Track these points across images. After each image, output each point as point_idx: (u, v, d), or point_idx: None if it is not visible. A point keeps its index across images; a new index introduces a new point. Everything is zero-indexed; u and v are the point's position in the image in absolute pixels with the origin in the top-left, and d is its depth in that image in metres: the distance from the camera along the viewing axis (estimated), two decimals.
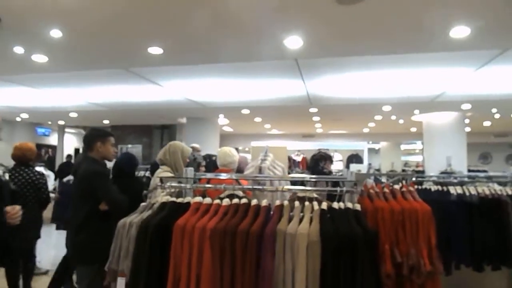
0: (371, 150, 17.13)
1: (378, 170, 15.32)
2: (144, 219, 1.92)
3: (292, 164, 13.30)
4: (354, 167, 10.92)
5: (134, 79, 5.76)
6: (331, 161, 5.04)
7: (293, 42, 3.86)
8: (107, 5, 3.19)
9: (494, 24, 3.42)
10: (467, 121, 8.67)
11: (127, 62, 4.80)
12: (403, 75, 5.30)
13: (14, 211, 2.19)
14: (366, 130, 12.78)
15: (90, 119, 10.45)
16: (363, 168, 11.43)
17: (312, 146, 14.61)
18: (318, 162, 4.85)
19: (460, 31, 3.54)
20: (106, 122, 10.80)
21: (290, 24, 3.52)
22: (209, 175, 2.74)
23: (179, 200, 2.05)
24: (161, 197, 2.16)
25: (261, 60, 4.61)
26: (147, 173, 5.21)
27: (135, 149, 11.96)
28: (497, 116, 8.78)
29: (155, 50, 4.26)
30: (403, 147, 16.69)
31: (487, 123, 10.07)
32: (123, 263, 1.91)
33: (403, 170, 13.32)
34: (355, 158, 13.85)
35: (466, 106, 7.49)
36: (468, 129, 9.73)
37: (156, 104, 7.73)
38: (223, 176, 2.66)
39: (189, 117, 9.57)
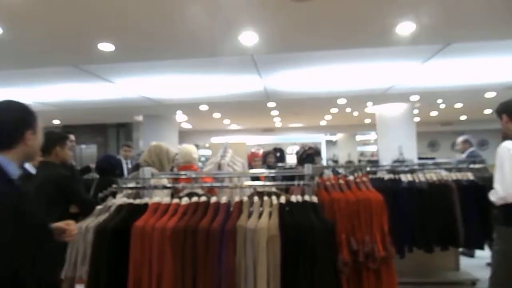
0: (328, 142, 17.60)
1: (336, 161, 15.82)
2: (100, 223, 1.88)
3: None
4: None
5: (85, 77, 5.53)
6: (320, 156, 4.85)
7: (249, 38, 3.88)
8: None
9: (437, 21, 3.62)
10: (416, 111, 9.13)
11: (76, 59, 4.60)
12: (355, 69, 5.49)
13: (72, 227, 1.60)
14: (323, 122, 13.10)
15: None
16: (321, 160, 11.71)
17: (272, 140, 14.78)
18: (305, 161, 4.59)
19: (406, 27, 3.72)
20: (56, 122, 10.30)
21: (245, 20, 3.53)
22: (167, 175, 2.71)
23: (137, 201, 2.02)
24: (118, 199, 2.11)
25: (217, 56, 4.58)
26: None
27: (90, 150, 11.51)
28: (442, 106, 9.33)
29: (106, 47, 4.11)
30: (358, 138, 17.29)
31: (434, 113, 10.65)
32: (80, 269, 1.86)
33: (359, 160, 13.85)
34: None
35: (415, 98, 7.88)
36: (417, 119, 10.27)
37: (110, 102, 7.48)
38: (182, 174, 2.64)
39: (146, 114, 9.35)
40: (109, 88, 6.33)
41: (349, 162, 13.08)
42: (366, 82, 6.35)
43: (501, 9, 3.40)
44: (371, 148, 15.75)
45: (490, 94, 7.59)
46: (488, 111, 10.11)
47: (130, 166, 6.23)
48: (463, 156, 5.85)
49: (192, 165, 3.52)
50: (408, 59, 5.07)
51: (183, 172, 2.66)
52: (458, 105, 9.37)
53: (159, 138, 8.72)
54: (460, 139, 6.09)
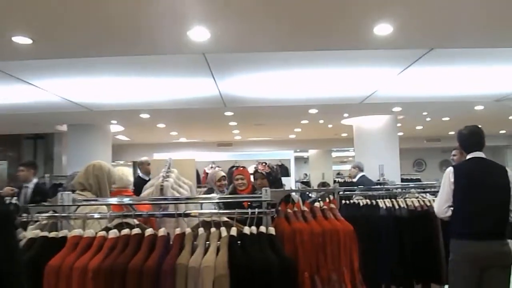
0: (298, 159, 17.92)
1: (307, 182, 16.09)
2: None
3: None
4: None
5: None
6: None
7: (200, 33, 3.94)
8: None
9: (419, 23, 3.86)
10: (399, 125, 9.53)
11: None
12: (328, 74, 5.68)
13: None
14: (292, 136, 13.34)
15: None
16: (287, 181, 11.89)
17: (229, 157, 14.83)
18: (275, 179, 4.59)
19: (383, 29, 3.93)
20: None
21: (195, 12, 3.59)
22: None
23: (53, 234, 1.98)
24: (29, 231, 2.06)
25: (162, 53, 4.60)
26: (15, 199, 5.04)
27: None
28: (428, 119, 9.81)
29: (22, 40, 4.02)
30: (334, 154, 17.75)
31: (419, 127, 11.16)
32: None
33: (335, 181, 14.17)
34: (280, 169, 14.35)
35: (397, 109, 8.24)
36: (400, 133, 10.72)
37: (26, 107, 7.25)
38: (113, 200, 2.61)
39: (71, 123, 9.13)
40: (25, 90, 6.15)
41: (323, 183, 13.32)
42: (341, 90, 6.58)
43: (490, 13, 3.68)
44: (349, 167, 16.18)
45: (480, 107, 8.09)
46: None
47: (30, 190, 6.13)
48: (354, 180, 7.45)
49: (127, 190, 3.49)
50: (388, 64, 5.33)
51: (113, 199, 2.64)
52: (446, 119, 9.88)
53: (87, 153, 8.56)
54: (351, 165, 7.97)
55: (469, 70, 5.61)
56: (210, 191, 5.36)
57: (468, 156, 3.59)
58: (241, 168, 4.94)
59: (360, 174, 7.53)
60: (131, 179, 3.75)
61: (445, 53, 4.76)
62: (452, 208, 3.48)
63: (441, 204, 3.54)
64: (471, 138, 3.60)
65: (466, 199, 3.43)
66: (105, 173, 3.13)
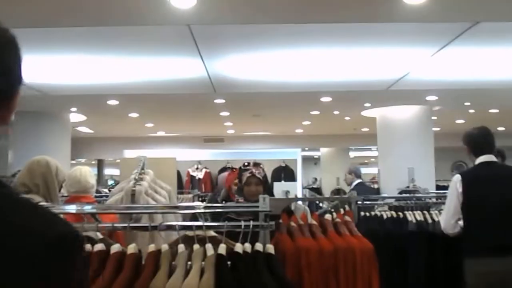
0: (307, 160, 17.96)
1: (317, 189, 16.13)
2: None
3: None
4: (279, 186, 11.31)
5: None
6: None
7: None
8: None
9: None
10: (434, 118, 9.54)
11: None
12: (346, 54, 5.68)
13: None
14: (299, 131, 13.34)
15: None
16: (292, 187, 11.88)
17: (220, 156, 14.84)
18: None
19: None
20: None
21: None
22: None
23: None
24: None
25: (136, 24, 4.59)
26: None
27: None
28: (471, 111, 9.82)
29: None
30: (353, 154, 17.80)
31: (460, 121, 11.17)
32: None
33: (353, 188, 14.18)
34: (283, 172, 14.36)
35: (432, 98, 8.26)
36: (437, 128, 10.73)
37: None
38: (70, 208, 2.62)
39: (19, 111, 9.01)
40: None
41: (338, 191, 13.35)
42: (362, 73, 6.58)
43: None
44: (372, 170, 16.23)
45: None
46: None
47: None
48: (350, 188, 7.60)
49: (87, 196, 3.50)
50: (422, 42, 5.32)
51: (70, 206, 2.64)
52: (493, 111, 9.90)
53: (40, 148, 8.52)
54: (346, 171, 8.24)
55: None
56: (213, 199, 5.36)
57: (478, 161, 3.86)
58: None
59: (357, 181, 7.80)
60: (93, 181, 3.76)
61: (493, 27, 4.75)
62: (461, 222, 3.69)
63: (449, 218, 3.71)
64: (484, 139, 3.96)
65: (477, 211, 3.65)
66: (53, 171, 3.14)
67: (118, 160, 12.01)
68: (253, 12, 4.33)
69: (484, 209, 3.61)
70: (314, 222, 2.42)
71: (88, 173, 3.68)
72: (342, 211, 2.78)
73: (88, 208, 2.80)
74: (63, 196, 6.31)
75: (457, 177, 3.80)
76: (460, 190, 3.68)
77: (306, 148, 16.05)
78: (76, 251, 0.90)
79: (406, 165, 8.52)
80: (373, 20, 4.50)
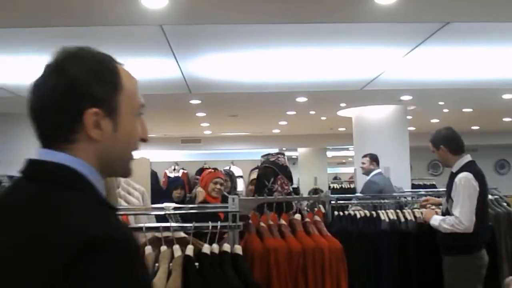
0: None
1: (296, 189, 16.14)
2: None
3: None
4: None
5: None
6: (289, 177, 4.51)
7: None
8: None
9: None
10: (409, 117, 9.63)
11: None
12: (320, 53, 5.70)
13: None
14: (276, 131, 13.35)
15: None
16: None
17: (197, 156, 14.80)
18: (262, 181, 4.41)
19: None
20: None
21: None
22: None
23: None
24: None
25: (108, 25, 4.57)
26: None
27: None
28: (445, 110, 9.94)
29: None
30: (330, 154, 17.88)
31: (434, 120, 11.30)
32: None
33: (330, 187, 14.29)
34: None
35: (407, 97, 8.33)
36: (412, 128, 10.84)
37: None
38: None
39: None
40: None
41: (315, 190, 13.40)
42: (337, 73, 6.62)
43: None
44: (349, 170, 16.33)
45: (508, 96, 8.23)
46: (507, 120, 10.93)
47: None
48: (368, 179, 6.93)
49: None
50: (395, 42, 5.37)
51: None
52: (467, 110, 10.03)
53: (14, 151, 8.40)
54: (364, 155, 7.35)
55: (495, 50, 5.68)
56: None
57: (467, 159, 4.03)
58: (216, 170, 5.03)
59: (376, 170, 6.99)
60: None
61: (464, 28, 4.81)
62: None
63: (472, 217, 3.71)
64: (460, 138, 4.16)
65: (484, 207, 3.88)
66: None
67: None
68: (225, 12, 4.33)
69: (487, 205, 3.94)
70: (283, 222, 2.42)
71: None
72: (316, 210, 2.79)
73: None
74: None
75: (470, 176, 3.85)
76: (478, 188, 3.79)
77: (284, 148, 16.06)
78: (107, 253, 0.91)
79: (382, 165, 8.59)
80: (346, 20, 4.52)
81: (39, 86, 1.11)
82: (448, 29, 4.79)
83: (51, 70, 1.11)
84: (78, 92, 1.06)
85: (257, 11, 4.30)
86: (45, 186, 1.01)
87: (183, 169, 13.93)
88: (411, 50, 5.55)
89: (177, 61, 5.84)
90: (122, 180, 4.36)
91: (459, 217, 3.66)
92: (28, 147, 5.44)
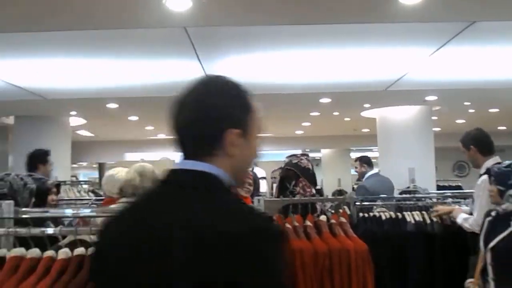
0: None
1: (319, 190, 16.08)
2: None
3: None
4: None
5: None
6: (312, 179, 4.50)
7: (179, 1, 3.94)
8: None
9: None
10: (434, 118, 9.54)
11: None
12: (344, 54, 5.69)
13: None
14: (299, 132, 13.34)
15: None
16: None
17: None
18: (284, 183, 4.44)
19: None
20: None
21: None
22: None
23: None
24: None
25: (133, 27, 4.61)
26: None
27: None
28: (471, 111, 9.81)
29: None
30: (354, 155, 17.72)
31: (460, 121, 11.17)
32: None
33: (353, 189, 14.19)
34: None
35: (432, 98, 8.25)
36: (437, 129, 10.73)
37: None
38: (68, 212, 2.63)
39: (20, 115, 9.14)
40: None
41: (339, 192, 13.34)
42: (361, 74, 6.59)
43: None
44: (373, 171, 16.19)
45: None
46: None
47: None
48: (361, 182, 6.76)
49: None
50: (420, 42, 5.33)
51: (68, 211, 2.65)
52: (493, 110, 9.89)
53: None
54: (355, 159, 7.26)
55: None
56: None
57: (494, 161, 3.93)
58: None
59: (370, 173, 6.78)
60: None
61: (490, 27, 4.76)
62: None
63: (480, 219, 3.65)
64: (489, 138, 4.11)
65: None
66: (150, 177, 3.25)
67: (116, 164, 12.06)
68: (249, 14, 4.34)
69: None
70: (309, 223, 2.42)
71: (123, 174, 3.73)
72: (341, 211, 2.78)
73: (86, 211, 2.82)
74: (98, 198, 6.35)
75: (486, 178, 3.77)
76: None
77: (307, 150, 16.02)
78: (275, 244, 1.18)
79: (406, 166, 8.50)
80: (371, 20, 4.50)
81: (187, 105, 1.33)
82: (474, 28, 4.73)
83: (200, 93, 1.35)
84: (223, 114, 1.29)
85: (281, 12, 4.30)
86: (197, 188, 1.25)
87: None
88: (437, 50, 5.50)
89: (200, 63, 5.88)
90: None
91: (477, 218, 3.65)
92: (55, 147, 5.60)
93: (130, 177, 3.05)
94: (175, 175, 1.30)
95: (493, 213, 3.18)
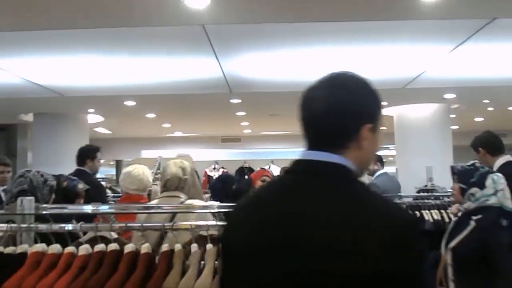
0: None
1: None
2: None
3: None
4: None
5: None
6: None
7: None
8: None
9: None
10: (453, 116, 9.45)
11: None
12: (362, 51, 5.65)
13: None
14: None
15: None
16: None
17: (237, 155, 14.83)
18: None
19: None
20: None
21: None
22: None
23: (9, 250, 2.02)
24: None
25: (150, 25, 4.62)
26: None
27: None
28: (490, 109, 9.70)
29: None
30: None
31: (478, 119, 11.05)
32: None
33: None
34: None
35: (450, 95, 8.18)
36: (455, 127, 10.62)
37: None
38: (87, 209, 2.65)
39: (39, 112, 9.22)
40: None
41: None
42: (378, 72, 6.53)
43: None
44: (390, 169, 16.08)
45: None
46: None
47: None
48: (371, 180, 6.69)
49: (141, 196, 3.58)
50: (439, 39, 5.28)
51: (87, 207, 2.67)
52: None
53: (58, 149, 8.64)
54: None
55: None
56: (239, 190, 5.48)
57: (505, 160, 4.20)
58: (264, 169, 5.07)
59: (380, 171, 6.69)
60: (151, 181, 3.88)
61: (510, 24, 4.69)
62: None
63: None
64: (498, 138, 4.36)
65: None
66: (193, 168, 3.37)
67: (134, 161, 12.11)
68: (267, 11, 4.33)
69: None
70: None
71: (148, 172, 3.77)
72: None
73: (105, 208, 2.83)
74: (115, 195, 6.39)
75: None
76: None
77: None
78: (418, 233, 1.24)
79: (424, 164, 8.43)
80: (390, 17, 4.47)
81: (325, 99, 1.36)
82: (495, 25, 4.68)
83: (338, 87, 1.38)
84: (361, 110, 1.34)
85: (298, 9, 4.28)
86: (334, 179, 1.28)
87: (223, 168, 13.99)
88: (456, 47, 5.45)
89: (218, 61, 5.88)
90: None
91: None
92: (73, 144, 5.66)
93: (175, 172, 3.10)
94: (307, 166, 1.34)
95: (459, 213, 3.15)
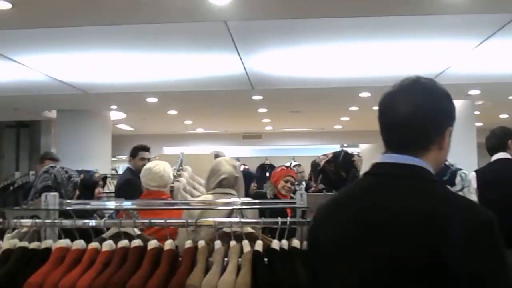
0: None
1: None
2: None
3: None
4: None
5: None
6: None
7: None
8: None
9: None
10: (477, 112, 9.31)
11: None
12: (384, 48, 5.60)
13: None
14: (337, 127, 13.23)
15: None
16: None
17: (258, 152, 14.83)
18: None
19: None
20: None
21: None
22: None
23: (33, 245, 2.02)
24: (6, 241, 2.12)
25: (173, 21, 4.64)
26: None
27: None
28: None
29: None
30: None
31: (504, 116, 10.87)
32: None
33: None
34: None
35: (475, 92, 8.06)
36: (479, 123, 10.46)
37: (5, 89, 7.43)
38: (110, 205, 2.65)
39: (62, 109, 9.32)
40: (4, 68, 6.30)
41: None
42: (401, 68, 6.46)
43: None
44: None
45: None
46: None
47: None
48: None
49: (162, 193, 3.59)
50: (464, 35, 5.21)
51: (110, 203, 2.67)
52: None
53: (81, 145, 8.73)
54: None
55: None
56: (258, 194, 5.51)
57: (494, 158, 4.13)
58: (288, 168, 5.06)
59: None
60: (172, 177, 3.89)
61: None
62: None
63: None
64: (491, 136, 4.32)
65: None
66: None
67: (157, 157, 12.16)
68: (289, 7, 4.30)
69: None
70: None
71: (169, 168, 3.78)
72: None
73: (127, 204, 2.84)
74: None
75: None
76: (475, 185, 3.87)
77: (345, 145, 15.84)
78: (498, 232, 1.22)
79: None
80: (415, 12, 4.42)
81: (408, 104, 1.40)
82: None
83: (422, 93, 1.42)
84: (446, 114, 1.42)
85: (322, 5, 4.25)
86: (416, 179, 1.34)
87: (244, 164, 13.99)
88: (481, 43, 5.36)
89: (240, 57, 5.87)
90: (187, 175, 4.43)
91: None
92: (96, 140, 5.73)
93: (231, 170, 3.16)
94: (390, 169, 1.38)
95: None
